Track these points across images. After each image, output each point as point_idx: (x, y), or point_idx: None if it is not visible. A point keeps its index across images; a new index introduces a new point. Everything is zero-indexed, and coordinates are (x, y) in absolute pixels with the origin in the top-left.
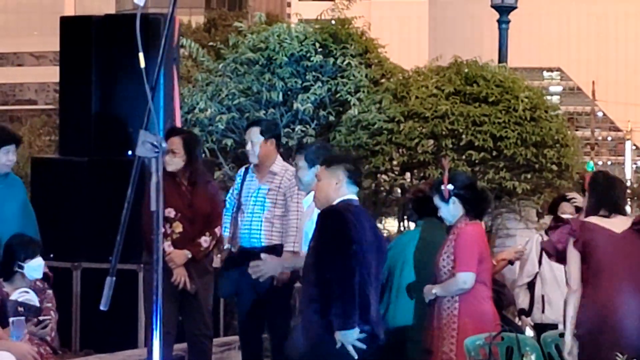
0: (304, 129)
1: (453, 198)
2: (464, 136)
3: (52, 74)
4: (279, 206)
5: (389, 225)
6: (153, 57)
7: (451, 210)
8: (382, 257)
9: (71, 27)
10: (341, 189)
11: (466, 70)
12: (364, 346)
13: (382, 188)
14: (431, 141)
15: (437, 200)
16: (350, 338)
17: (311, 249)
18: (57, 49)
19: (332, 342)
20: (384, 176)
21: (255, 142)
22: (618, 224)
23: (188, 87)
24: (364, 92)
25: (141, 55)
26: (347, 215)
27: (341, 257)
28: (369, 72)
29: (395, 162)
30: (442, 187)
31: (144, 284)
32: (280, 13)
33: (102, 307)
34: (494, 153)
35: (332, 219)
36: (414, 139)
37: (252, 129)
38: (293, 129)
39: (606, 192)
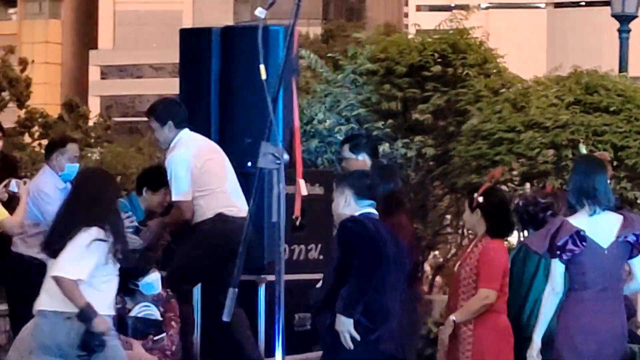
0: (423, 139)
1: (477, 210)
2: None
3: (171, 85)
4: None
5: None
6: (272, 69)
7: (472, 220)
8: (403, 270)
9: (191, 38)
10: (351, 206)
11: (586, 79)
12: (357, 337)
13: None
14: (551, 151)
15: (468, 205)
16: (344, 326)
17: (331, 259)
18: (176, 60)
19: (343, 349)
20: (503, 186)
21: (347, 158)
22: None
23: (307, 98)
24: (483, 102)
25: (262, 67)
26: (366, 223)
27: (361, 257)
28: (488, 82)
29: (515, 172)
30: (475, 194)
31: None
32: (398, 23)
33: (224, 319)
34: (615, 163)
35: (351, 225)
36: (534, 148)
37: (343, 145)
38: (412, 140)
39: None
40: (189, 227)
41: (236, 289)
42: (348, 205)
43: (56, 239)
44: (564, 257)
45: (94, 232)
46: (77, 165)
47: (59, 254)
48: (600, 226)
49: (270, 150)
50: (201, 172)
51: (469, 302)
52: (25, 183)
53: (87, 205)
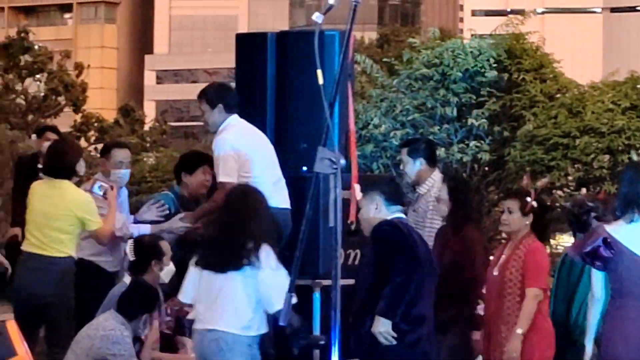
0: (478, 144)
1: (530, 214)
2: None
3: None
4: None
5: (563, 241)
6: (327, 74)
7: (520, 223)
8: (435, 275)
9: (247, 43)
10: (382, 211)
11: None
12: (393, 342)
13: (557, 203)
14: (607, 156)
15: (516, 208)
16: (383, 327)
17: (365, 264)
18: (231, 65)
19: (385, 352)
20: (559, 192)
21: (405, 162)
22: None
23: (362, 103)
24: (538, 107)
25: (319, 72)
26: (402, 227)
27: (401, 262)
28: (544, 87)
29: (570, 178)
30: (528, 199)
31: None
32: (453, 28)
33: (281, 323)
34: None
35: (388, 229)
36: (589, 154)
37: (402, 149)
38: (467, 145)
39: None
40: None
41: (292, 294)
42: (379, 211)
43: (222, 255)
44: (597, 263)
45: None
46: (125, 170)
47: (228, 269)
48: (638, 234)
49: (327, 155)
50: (246, 158)
51: (523, 307)
52: (112, 188)
53: (246, 221)
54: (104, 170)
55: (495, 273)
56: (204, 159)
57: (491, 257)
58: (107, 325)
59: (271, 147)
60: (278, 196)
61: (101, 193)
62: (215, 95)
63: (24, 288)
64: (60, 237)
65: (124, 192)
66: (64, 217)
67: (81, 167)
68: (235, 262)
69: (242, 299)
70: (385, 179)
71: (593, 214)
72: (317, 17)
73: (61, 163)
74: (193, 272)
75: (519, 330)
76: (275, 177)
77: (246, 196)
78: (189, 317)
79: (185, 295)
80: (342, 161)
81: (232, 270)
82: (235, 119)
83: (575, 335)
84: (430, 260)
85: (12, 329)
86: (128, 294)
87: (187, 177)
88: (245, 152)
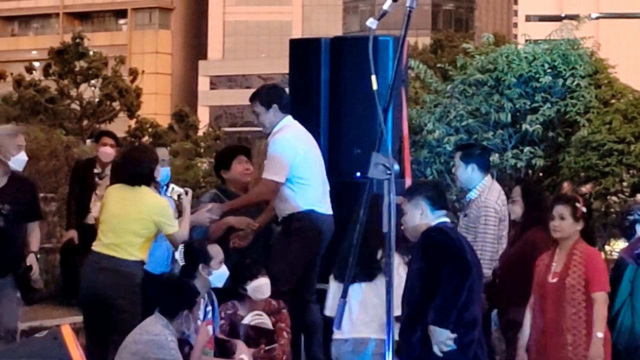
0: (532, 150)
1: (581, 220)
2: None
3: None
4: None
5: (618, 247)
6: (381, 79)
7: (571, 229)
8: (482, 281)
9: (300, 49)
10: (427, 217)
11: None
12: (453, 346)
13: (612, 210)
14: None
15: (568, 214)
16: (441, 337)
17: (415, 270)
18: (285, 70)
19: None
20: (614, 198)
21: (457, 166)
22: None
23: (416, 108)
24: (593, 112)
25: (374, 77)
26: (450, 232)
27: (452, 268)
28: (599, 93)
29: (625, 184)
30: (578, 205)
31: None
32: (507, 34)
33: (335, 328)
34: None
35: (436, 235)
36: None
37: (455, 153)
38: (522, 150)
39: None
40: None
41: (345, 299)
42: (425, 216)
43: (361, 266)
44: None
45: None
46: (165, 168)
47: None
48: None
49: (381, 161)
50: (301, 160)
51: (596, 312)
52: (187, 193)
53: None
54: None
55: (553, 280)
56: (236, 150)
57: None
58: (152, 330)
59: (319, 152)
60: (326, 202)
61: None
62: (269, 96)
63: (93, 288)
64: (133, 240)
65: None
66: (140, 221)
67: (158, 172)
68: (373, 271)
69: (379, 306)
70: (430, 184)
71: (630, 218)
72: (371, 22)
73: (138, 170)
74: (334, 286)
75: (600, 334)
76: (325, 182)
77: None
78: (244, 322)
79: (331, 309)
80: (396, 167)
81: (367, 280)
82: (290, 119)
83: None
84: (478, 265)
85: (67, 333)
86: (163, 292)
87: (227, 173)
88: (302, 154)
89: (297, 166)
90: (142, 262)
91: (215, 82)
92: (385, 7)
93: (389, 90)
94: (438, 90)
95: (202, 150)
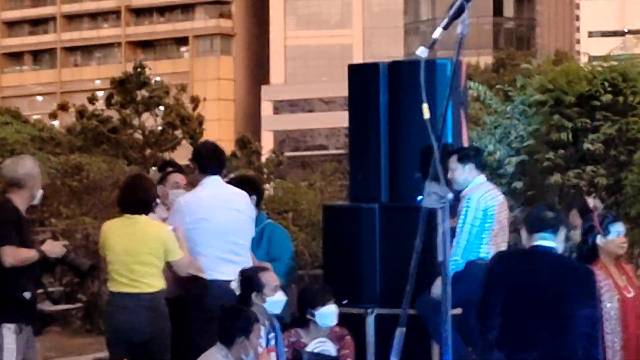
0: (594, 169)
1: None
2: None
3: (342, 118)
4: None
5: None
6: (441, 102)
7: None
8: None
9: (359, 74)
10: None
11: None
12: None
13: None
14: None
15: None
16: None
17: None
18: (347, 94)
19: None
20: None
21: (453, 169)
22: None
23: (476, 130)
24: None
25: (425, 106)
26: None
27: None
28: None
29: None
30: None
31: None
32: (569, 50)
33: (392, 358)
34: None
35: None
36: None
37: (450, 157)
38: (583, 170)
39: None
40: None
41: (404, 329)
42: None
43: None
44: None
45: None
46: (182, 191)
47: None
48: None
49: (435, 190)
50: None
51: None
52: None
53: None
54: (162, 194)
55: (630, 295)
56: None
57: None
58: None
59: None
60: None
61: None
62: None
63: (119, 329)
64: (148, 271)
65: None
66: (150, 252)
67: (156, 203)
68: None
69: None
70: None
71: None
72: (421, 52)
73: (142, 197)
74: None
75: None
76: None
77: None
78: (307, 349)
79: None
80: (450, 195)
81: None
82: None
83: None
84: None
85: None
86: (220, 319)
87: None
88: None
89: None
90: (163, 291)
91: (278, 107)
92: (435, 35)
93: (442, 117)
94: (498, 111)
95: (264, 176)
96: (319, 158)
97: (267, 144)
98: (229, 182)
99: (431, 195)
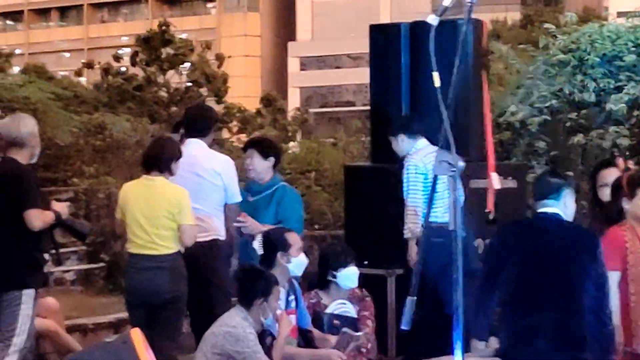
0: (617, 129)
1: None
2: None
3: (369, 75)
4: None
5: None
6: (464, 63)
7: None
8: None
9: (381, 34)
10: None
11: None
12: None
13: None
14: None
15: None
16: None
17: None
18: None
19: None
20: None
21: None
22: None
23: (499, 90)
24: None
25: (435, 74)
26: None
27: None
28: None
29: None
30: None
31: None
32: (598, 7)
33: (403, 327)
34: None
35: None
36: None
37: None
38: (606, 130)
39: None
40: None
41: (414, 298)
42: None
43: None
44: None
45: None
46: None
47: None
48: None
49: (445, 158)
50: None
51: None
52: None
53: None
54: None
55: None
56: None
57: None
58: (230, 322)
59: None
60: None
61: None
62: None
63: (139, 290)
64: (165, 234)
65: None
66: (167, 215)
67: (177, 167)
68: None
69: None
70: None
71: None
72: (432, 19)
73: (161, 156)
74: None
75: None
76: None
77: None
78: (327, 310)
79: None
80: (461, 164)
81: None
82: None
83: None
84: None
85: (137, 337)
86: (238, 280)
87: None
88: None
89: None
90: (179, 253)
91: (305, 63)
92: (446, 3)
93: (453, 83)
94: (521, 71)
95: (289, 134)
96: (346, 114)
97: (293, 100)
98: (248, 143)
99: (442, 164)
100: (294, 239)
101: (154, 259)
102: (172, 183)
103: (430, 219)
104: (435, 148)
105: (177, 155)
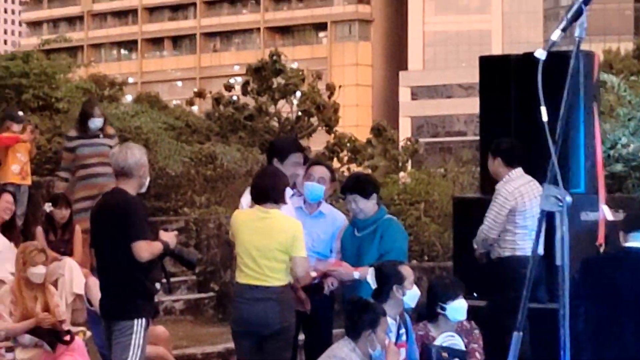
0: None
1: None
2: None
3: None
4: None
5: None
6: (573, 96)
7: None
8: None
9: (490, 66)
10: None
11: None
12: None
13: None
14: None
15: None
16: None
17: None
18: None
19: None
20: None
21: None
22: None
23: (610, 122)
24: None
25: (543, 109)
26: None
27: None
28: None
29: None
30: None
31: None
32: None
33: None
34: None
35: None
36: None
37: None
38: None
39: None
40: None
41: (521, 333)
42: None
43: None
44: None
45: None
46: (321, 186)
47: None
48: None
49: (553, 193)
50: None
51: None
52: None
53: None
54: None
55: None
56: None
57: None
58: (338, 353)
59: None
60: None
61: None
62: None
63: (247, 321)
64: (277, 266)
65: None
66: (280, 247)
67: (288, 195)
68: None
69: None
70: None
71: None
72: (540, 53)
73: (271, 189)
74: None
75: None
76: None
77: None
78: (435, 342)
79: None
80: (569, 198)
81: None
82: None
83: None
84: None
85: None
86: (347, 313)
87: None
88: None
89: None
90: (289, 285)
91: (416, 93)
92: (554, 37)
93: (560, 118)
94: (632, 102)
95: (399, 164)
96: (458, 144)
97: (404, 130)
98: (346, 188)
99: (549, 198)
100: (408, 271)
101: (264, 290)
102: (285, 214)
103: (518, 252)
104: (530, 179)
105: (288, 184)
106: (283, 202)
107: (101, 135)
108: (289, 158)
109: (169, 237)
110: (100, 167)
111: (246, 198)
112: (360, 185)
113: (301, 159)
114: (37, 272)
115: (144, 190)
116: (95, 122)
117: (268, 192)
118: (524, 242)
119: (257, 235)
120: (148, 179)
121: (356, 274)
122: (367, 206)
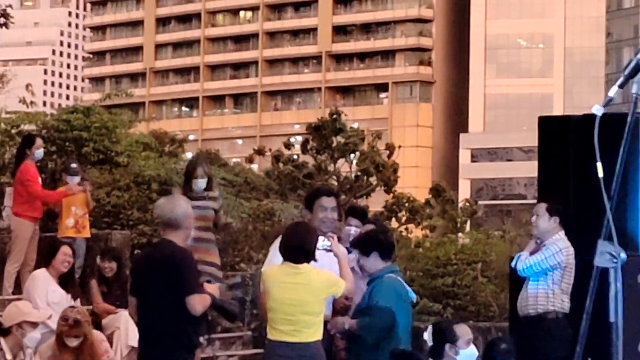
0: None
1: None
2: None
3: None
4: None
5: None
6: (629, 157)
7: None
8: None
9: (549, 126)
10: None
11: None
12: None
13: None
14: None
15: None
16: None
17: None
18: None
19: None
20: None
21: (540, 215)
22: None
23: None
24: None
25: (599, 165)
26: None
27: None
28: None
29: None
30: None
31: None
32: None
33: None
34: None
35: None
36: None
37: (540, 203)
38: None
39: None
40: None
41: None
42: None
43: None
44: None
45: None
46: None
47: None
48: None
49: (607, 249)
50: None
51: None
52: (333, 238)
53: None
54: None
55: None
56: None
57: None
58: None
59: None
60: None
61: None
62: None
63: None
64: (311, 321)
65: None
66: (314, 303)
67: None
68: None
69: None
70: None
71: None
72: (596, 109)
73: (305, 245)
74: None
75: None
76: None
77: None
78: None
79: None
80: (623, 255)
81: None
82: None
83: None
84: None
85: None
86: None
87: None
88: None
89: None
90: (320, 340)
91: (476, 155)
92: (611, 94)
93: (617, 175)
94: None
95: (458, 225)
96: (517, 207)
97: (463, 192)
98: (358, 244)
99: (604, 254)
100: (463, 330)
101: (297, 347)
102: (315, 268)
103: (564, 310)
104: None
105: (317, 240)
106: (313, 258)
107: (207, 197)
108: (315, 204)
109: (213, 289)
110: (202, 232)
111: (276, 256)
112: (360, 242)
113: (330, 202)
114: (33, 335)
115: (189, 242)
116: (199, 184)
117: (300, 250)
118: (568, 300)
119: (291, 293)
120: (193, 231)
121: (346, 325)
122: (368, 263)
